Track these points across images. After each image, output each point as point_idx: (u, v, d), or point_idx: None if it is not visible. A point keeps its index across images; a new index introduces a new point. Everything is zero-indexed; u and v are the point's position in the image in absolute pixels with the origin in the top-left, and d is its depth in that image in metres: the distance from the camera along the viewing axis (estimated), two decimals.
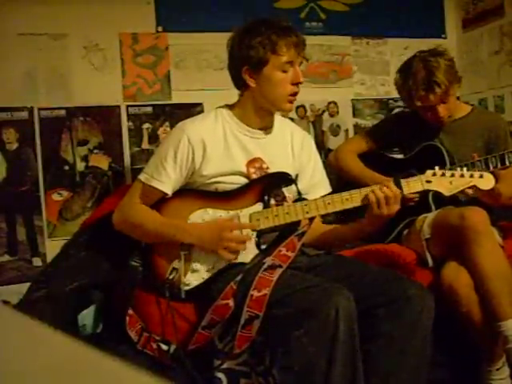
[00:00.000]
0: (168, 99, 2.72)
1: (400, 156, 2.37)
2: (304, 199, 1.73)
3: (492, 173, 1.74)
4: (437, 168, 1.67)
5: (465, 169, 1.68)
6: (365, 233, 1.78)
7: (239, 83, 1.75)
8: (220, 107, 1.82)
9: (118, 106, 2.63)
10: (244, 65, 1.70)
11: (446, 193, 1.66)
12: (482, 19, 3.04)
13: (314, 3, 2.97)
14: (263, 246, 1.70)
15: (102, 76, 2.61)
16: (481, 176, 1.67)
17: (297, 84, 1.70)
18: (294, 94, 1.72)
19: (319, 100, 2.97)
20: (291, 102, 1.73)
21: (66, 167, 2.56)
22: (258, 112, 1.76)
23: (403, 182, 1.66)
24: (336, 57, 3.02)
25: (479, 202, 1.99)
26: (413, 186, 1.67)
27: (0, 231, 2.46)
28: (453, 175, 1.66)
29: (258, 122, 1.78)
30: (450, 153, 2.17)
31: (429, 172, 1.67)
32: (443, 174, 1.66)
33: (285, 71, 1.68)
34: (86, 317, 1.82)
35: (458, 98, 2.31)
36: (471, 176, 1.66)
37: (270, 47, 1.66)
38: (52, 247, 2.43)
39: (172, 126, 2.58)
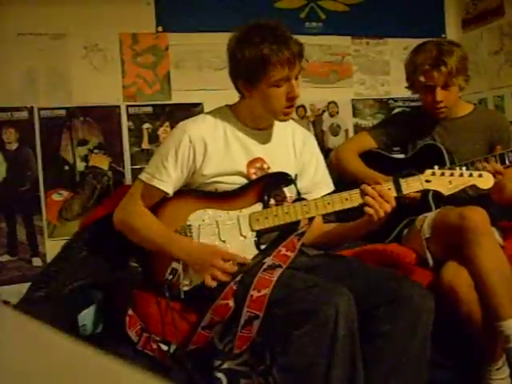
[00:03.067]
0: (168, 99, 2.72)
1: (400, 156, 2.37)
2: (304, 199, 1.73)
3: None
4: (436, 167, 1.67)
5: (464, 168, 1.68)
6: (363, 232, 1.78)
7: (238, 90, 1.75)
8: (220, 107, 1.82)
9: (118, 106, 2.63)
10: (239, 78, 1.69)
11: (446, 192, 1.66)
12: (482, 19, 3.04)
13: (314, 3, 2.97)
14: (263, 246, 1.70)
15: (102, 76, 2.61)
16: (480, 175, 1.67)
17: (293, 98, 1.67)
18: (290, 107, 1.69)
19: (319, 100, 2.97)
20: (287, 114, 1.70)
21: (66, 167, 2.56)
22: (257, 115, 1.75)
23: (402, 181, 1.66)
24: (336, 57, 3.02)
25: (479, 201, 1.99)
26: (412, 185, 1.66)
27: (0, 231, 2.46)
28: (452, 175, 1.66)
29: (259, 123, 1.78)
30: (449, 152, 2.17)
31: (428, 171, 1.67)
32: (442, 174, 1.66)
33: (279, 86, 1.65)
34: (86, 317, 1.82)
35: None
36: (470, 175, 1.66)
37: (261, 65, 1.61)
38: (52, 247, 2.43)
39: (172, 126, 2.58)
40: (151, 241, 1.69)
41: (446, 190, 1.66)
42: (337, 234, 1.83)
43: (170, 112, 2.70)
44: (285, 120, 1.75)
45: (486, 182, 1.68)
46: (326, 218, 1.90)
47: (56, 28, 2.53)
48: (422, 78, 2.15)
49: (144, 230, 1.70)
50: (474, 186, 1.70)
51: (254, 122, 1.77)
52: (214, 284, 1.61)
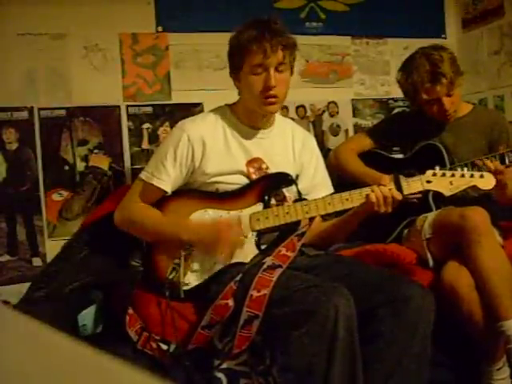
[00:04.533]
0: (168, 99, 2.71)
1: (400, 156, 2.37)
2: (304, 199, 1.73)
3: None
4: (437, 168, 1.67)
5: (465, 169, 1.68)
6: (362, 217, 1.74)
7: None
8: (220, 107, 1.82)
9: (118, 106, 2.63)
10: (230, 69, 1.74)
11: (447, 193, 1.67)
12: (482, 19, 3.04)
13: (314, 3, 2.97)
14: (263, 246, 1.70)
15: (102, 76, 2.60)
16: (481, 176, 1.67)
17: (268, 88, 1.66)
18: (270, 97, 1.67)
19: (319, 100, 2.96)
20: (269, 104, 1.68)
21: (66, 167, 2.56)
22: (251, 110, 1.75)
23: (403, 182, 1.66)
24: (336, 57, 3.02)
25: (480, 201, 1.99)
26: (413, 186, 1.67)
27: (0, 231, 2.46)
28: (453, 175, 1.66)
29: (257, 122, 1.78)
30: (449, 152, 2.17)
31: (429, 172, 1.67)
32: (443, 175, 1.66)
33: (256, 74, 1.66)
34: (86, 317, 1.82)
35: None
36: (471, 176, 1.67)
37: (242, 51, 1.66)
38: (52, 247, 2.42)
39: (172, 126, 2.58)
40: (155, 230, 1.69)
41: (447, 190, 1.66)
42: (337, 225, 1.82)
43: (169, 112, 2.70)
44: (267, 112, 1.73)
45: (487, 182, 1.68)
46: (326, 218, 1.90)
47: (56, 28, 2.53)
48: (425, 96, 2.13)
49: (146, 219, 1.70)
50: (475, 187, 1.70)
51: (251, 118, 1.77)
52: (226, 259, 1.62)
